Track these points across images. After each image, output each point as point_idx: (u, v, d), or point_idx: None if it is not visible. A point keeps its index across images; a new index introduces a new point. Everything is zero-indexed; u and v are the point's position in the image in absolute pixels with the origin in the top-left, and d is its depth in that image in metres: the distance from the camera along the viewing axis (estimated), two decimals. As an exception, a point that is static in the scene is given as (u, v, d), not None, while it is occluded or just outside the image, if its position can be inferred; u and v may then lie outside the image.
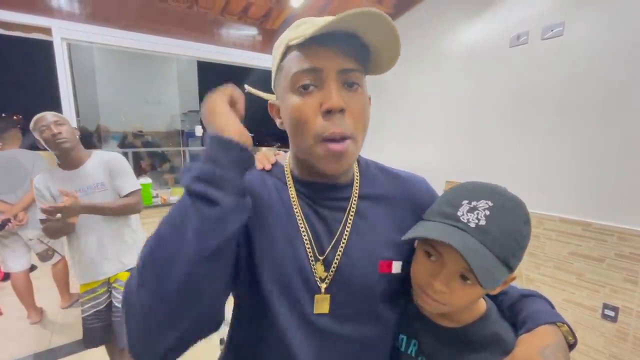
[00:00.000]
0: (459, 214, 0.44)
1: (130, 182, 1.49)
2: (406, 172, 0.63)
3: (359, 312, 0.52)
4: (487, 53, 2.22)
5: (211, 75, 4.12)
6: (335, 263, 0.51)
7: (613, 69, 1.67)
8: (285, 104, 0.50)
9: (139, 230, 1.60)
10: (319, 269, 0.51)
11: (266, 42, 2.71)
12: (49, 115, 1.36)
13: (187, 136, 4.72)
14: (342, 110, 0.45)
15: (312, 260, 0.51)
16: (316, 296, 0.50)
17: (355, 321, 0.51)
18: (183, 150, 4.77)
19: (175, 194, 2.57)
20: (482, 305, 0.53)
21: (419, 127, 2.75)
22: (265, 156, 0.64)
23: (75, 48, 2.29)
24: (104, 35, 2.07)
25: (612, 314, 1.74)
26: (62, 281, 2.64)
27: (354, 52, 0.46)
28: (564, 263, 1.92)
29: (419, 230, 0.47)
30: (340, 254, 0.51)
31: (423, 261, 0.49)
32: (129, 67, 3.98)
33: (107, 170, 1.45)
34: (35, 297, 2.51)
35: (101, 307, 1.51)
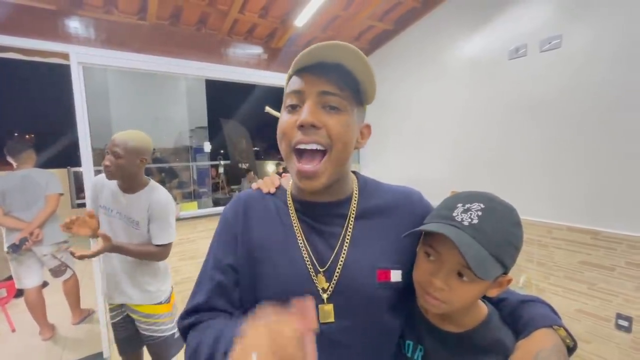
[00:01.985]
0: (454, 214, 0.49)
1: (166, 233, 1.41)
2: (401, 186, 0.67)
3: (362, 320, 0.54)
4: (487, 66, 2.27)
5: (219, 92, 4.26)
6: (337, 274, 0.54)
7: (611, 79, 1.70)
8: (279, 120, 0.57)
9: (161, 270, 1.53)
10: (321, 281, 0.54)
11: (271, 60, 2.81)
12: (115, 140, 1.32)
13: (195, 152, 4.83)
14: (314, 126, 0.50)
15: (312, 273, 0.54)
16: (320, 306, 0.53)
17: (359, 329, 0.54)
18: (191, 166, 4.87)
19: (185, 209, 2.62)
20: (484, 310, 0.55)
21: (422, 140, 2.78)
22: (271, 180, 0.69)
23: (90, 70, 2.40)
24: (118, 59, 2.17)
25: (626, 324, 1.71)
26: (74, 297, 2.67)
27: (336, 79, 0.51)
28: (574, 272, 1.90)
29: (415, 230, 0.52)
30: (341, 265, 0.55)
31: (423, 262, 0.53)
32: (141, 87, 4.14)
33: (149, 212, 1.39)
34: (47, 313, 2.54)
35: (117, 319, 1.55)
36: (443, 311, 0.51)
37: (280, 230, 0.59)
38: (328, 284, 0.54)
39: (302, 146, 0.52)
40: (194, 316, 0.57)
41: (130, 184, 1.40)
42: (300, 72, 0.53)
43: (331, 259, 0.55)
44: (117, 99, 4.04)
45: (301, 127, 0.51)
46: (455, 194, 0.53)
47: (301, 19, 2.41)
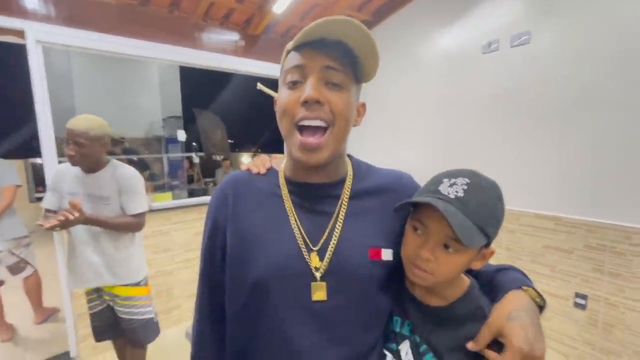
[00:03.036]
0: (440, 188, 0.51)
1: (139, 203, 1.46)
2: (392, 169, 0.68)
3: (354, 298, 0.55)
4: (461, 59, 2.34)
5: (194, 81, 4.09)
6: (329, 253, 0.55)
7: (576, 74, 1.81)
8: (278, 97, 0.56)
9: (136, 245, 1.55)
10: (314, 259, 0.54)
11: (248, 47, 2.73)
12: (75, 130, 1.33)
13: (167, 142, 4.63)
14: (318, 102, 0.50)
15: (305, 252, 0.54)
16: (312, 284, 0.53)
17: (351, 306, 0.55)
18: (163, 157, 4.67)
19: (158, 200, 2.52)
20: (465, 282, 0.57)
21: (399, 130, 2.84)
22: (261, 161, 0.68)
23: (50, 52, 2.23)
24: (82, 39, 2.02)
25: (582, 302, 1.85)
26: (35, 295, 2.51)
27: (337, 55, 0.51)
28: (538, 256, 2.03)
29: (405, 202, 0.53)
30: (334, 244, 0.55)
31: (411, 236, 0.54)
32: (109, 72, 3.86)
33: (117, 186, 1.43)
34: (6, 313, 2.37)
35: (97, 309, 1.56)
36: (429, 283, 0.53)
37: (272, 210, 0.58)
38: (321, 263, 0.54)
39: (305, 122, 0.51)
40: (198, 344, 0.65)
41: (92, 165, 1.42)
42: (300, 47, 0.52)
43: (324, 238, 0.56)
44: (82, 85, 3.76)
45: (305, 103, 0.50)
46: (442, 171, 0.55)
47: (279, 6, 2.36)
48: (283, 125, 0.54)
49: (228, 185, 0.63)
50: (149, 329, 1.56)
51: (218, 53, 2.60)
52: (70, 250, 1.48)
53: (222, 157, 5.52)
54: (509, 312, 0.49)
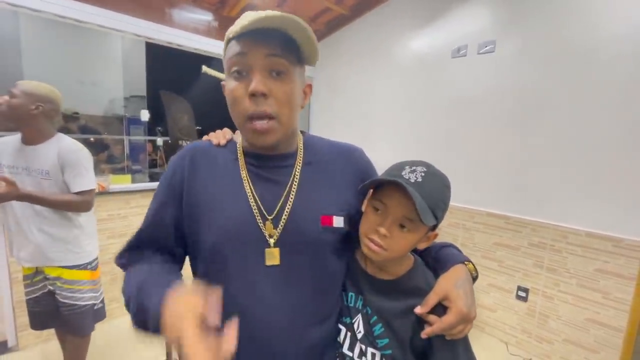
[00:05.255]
0: (403, 173, 0.57)
1: (83, 180, 1.34)
2: (345, 143, 0.73)
3: (307, 261, 0.59)
4: (432, 61, 2.43)
5: (161, 60, 3.85)
6: (283, 220, 0.58)
7: (536, 82, 1.95)
8: (226, 86, 0.59)
9: (86, 226, 1.44)
10: (268, 227, 0.58)
11: (222, 29, 2.63)
12: (17, 83, 1.28)
13: (129, 123, 4.34)
14: (264, 95, 0.54)
15: (259, 219, 0.58)
16: (266, 250, 0.57)
17: (305, 270, 0.59)
18: (124, 139, 4.38)
19: (116, 182, 2.37)
20: (411, 259, 0.65)
21: (370, 126, 2.90)
22: (222, 133, 0.71)
23: (-5, 11, 2.00)
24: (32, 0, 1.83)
25: (524, 294, 2.03)
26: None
27: (279, 44, 0.54)
28: (488, 252, 2.18)
29: (373, 180, 0.59)
30: (287, 212, 0.59)
31: (371, 215, 0.60)
32: (64, 41, 3.52)
33: (60, 160, 1.31)
34: None
35: (36, 294, 1.44)
36: (382, 258, 0.58)
37: (228, 179, 0.61)
38: (275, 230, 0.58)
39: (255, 119, 0.55)
40: (125, 256, 0.63)
41: (31, 135, 1.32)
42: (241, 37, 0.54)
43: (278, 207, 0.59)
44: (33, 52, 3.40)
45: (252, 95, 0.53)
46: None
47: (257, -11, 2.30)
48: (234, 116, 0.58)
49: (187, 152, 0.65)
50: (87, 317, 1.45)
51: (189, 32, 2.48)
52: (12, 226, 1.36)
53: (187, 142, 5.30)
54: (455, 281, 0.57)
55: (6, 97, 1.25)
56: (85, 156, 1.38)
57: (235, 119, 0.58)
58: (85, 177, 1.35)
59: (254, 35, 0.53)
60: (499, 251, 2.14)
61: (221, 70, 0.72)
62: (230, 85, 0.56)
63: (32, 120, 1.29)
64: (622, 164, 1.66)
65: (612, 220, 1.70)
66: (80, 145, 1.39)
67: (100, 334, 1.49)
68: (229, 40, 0.57)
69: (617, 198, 1.69)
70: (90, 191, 1.37)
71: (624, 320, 1.67)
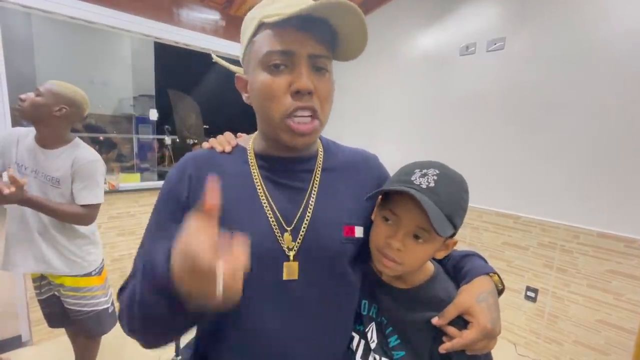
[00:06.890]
0: (412, 179, 0.51)
1: (92, 193, 1.28)
2: (359, 149, 0.69)
3: (326, 276, 0.55)
4: (440, 60, 2.40)
5: (169, 60, 3.87)
6: (303, 231, 0.54)
7: (545, 81, 1.92)
8: (254, 79, 0.51)
9: (88, 236, 1.38)
10: (287, 239, 0.53)
11: (229, 28, 2.63)
12: (44, 83, 1.24)
13: (137, 122, 4.39)
14: (310, 93, 0.49)
15: (277, 232, 0.53)
16: (285, 264, 0.52)
17: (323, 284, 0.55)
18: (133, 138, 4.44)
19: (125, 181, 2.41)
20: (430, 267, 0.59)
21: (377, 125, 2.88)
22: (226, 138, 0.64)
23: (7, 13, 2.04)
24: (45, 1, 1.86)
25: (533, 295, 2.01)
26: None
27: (324, 39, 0.49)
28: (497, 252, 2.16)
29: (380, 190, 0.53)
30: (307, 222, 0.54)
31: (381, 226, 0.54)
32: (76, 42, 3.56)
33: (74, 168, 1.26)
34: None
35: (45, 296, 1.43)
36: (398, 273, 0.54)
37: (240, 189, 0.55)
38: (294, 242, 0.53)
39: (298, 113, 0.49)
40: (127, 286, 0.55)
41: (49, 138, 1.26)
42: (283, 25, 0.46)
43: (297, 217, 0.55)
44: (45, 53, 3.45)
45: (297, 93, 0.48)
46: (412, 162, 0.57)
47: (264, -12, 2.29)
48: (269, 113, 0.51)
49: (188, 163, 0.57)
50: (104, 320, 1.43)
51: (196, 32, 2.49)
52: (15, 231, 1.30)
53: (194, 141, 5.34)
54: (478, 294, 0.52)
55: (31, 95, 1.20)
56: (100, 168, 1.33)
57: (267, 117, 0.51)
58: (95, 191, 1.30)
59: (297, 26, 0.46)
60: (507, 251, 2.11)
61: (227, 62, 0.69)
62: (262, 78, 0.49)
63: (52, 122, 1.23)
64: (636, 163, 1.62)
65: (625, 221, 1.67)
66: (97, 156, 1.34)
67: (112, 331, 1.50)
68: (260, 25, 0.49)
69: (630, 198, 1.65)
70: (97, 205, 1.31)
71: (636, 322, 1.64)
